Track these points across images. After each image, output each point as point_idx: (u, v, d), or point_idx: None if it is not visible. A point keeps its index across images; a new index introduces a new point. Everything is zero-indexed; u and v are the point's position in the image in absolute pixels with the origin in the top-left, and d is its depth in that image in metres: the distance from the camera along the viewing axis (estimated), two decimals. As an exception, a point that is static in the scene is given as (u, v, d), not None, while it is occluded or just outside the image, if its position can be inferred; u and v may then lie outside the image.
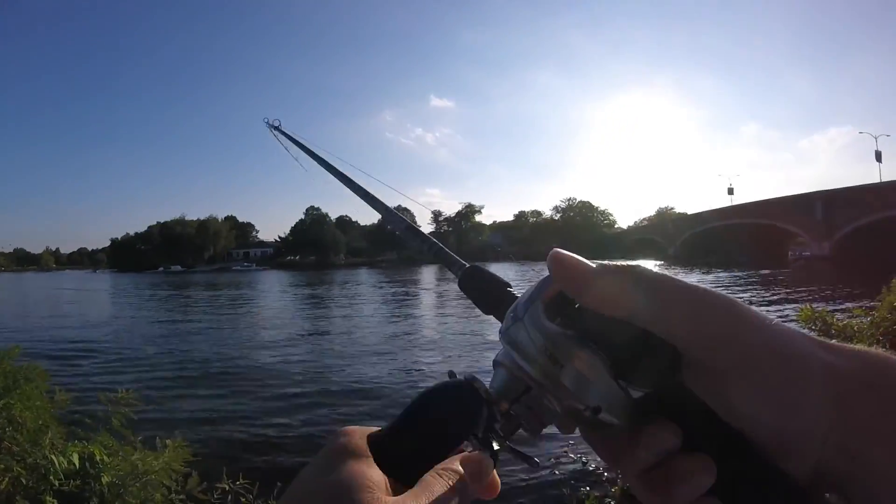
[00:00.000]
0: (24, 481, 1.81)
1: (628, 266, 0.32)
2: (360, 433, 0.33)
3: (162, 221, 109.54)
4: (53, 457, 1.81)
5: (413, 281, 47.97)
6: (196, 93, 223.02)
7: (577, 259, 0.32)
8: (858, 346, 0.31)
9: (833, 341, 0.31)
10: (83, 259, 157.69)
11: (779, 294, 22.45)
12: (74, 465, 1.84)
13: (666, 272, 0.32)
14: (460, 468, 0.32)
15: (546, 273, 0.33)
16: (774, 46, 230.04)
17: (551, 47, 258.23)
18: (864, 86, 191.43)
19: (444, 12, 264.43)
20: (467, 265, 0.41)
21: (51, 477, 1.78)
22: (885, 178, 43.66)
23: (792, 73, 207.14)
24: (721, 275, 32.79)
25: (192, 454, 2.30)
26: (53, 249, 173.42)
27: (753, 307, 0.31)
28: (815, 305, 4.68)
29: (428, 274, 60.44)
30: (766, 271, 33.58)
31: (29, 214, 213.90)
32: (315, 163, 0.66)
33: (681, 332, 0.30)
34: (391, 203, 0.57)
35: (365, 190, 0.58)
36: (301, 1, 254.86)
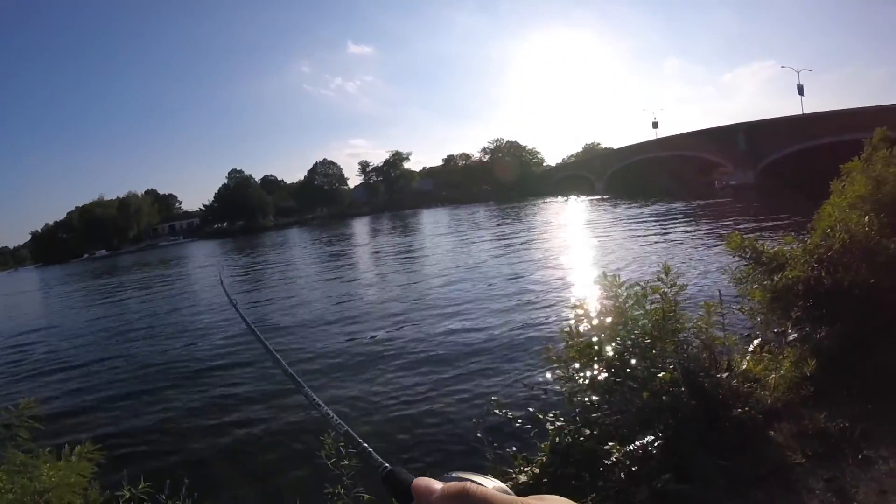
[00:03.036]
0: None
1: (462, 488, 0.43)
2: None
3: (80, 206, 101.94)
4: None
5: (345, 236, 47.70)
6: (93, 65, 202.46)
7: (427, 486, 0.46)
8: None
9: None
10: (6, 258, 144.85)
11: (707, 224, 23.28)
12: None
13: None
14: None
15: None
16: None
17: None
18: (787, 21, 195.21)
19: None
20: (389, 468, 0.53)
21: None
22: (808, 111, 45.52)
23: (715, 7, 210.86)
24: (652, 207, 33.51)
25: (101, 457, 2.09)
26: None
27: None
28: (744, 234, 4.78)
29: (360, 226, 59.83)
30: (694, 202, 34.43)
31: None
32: None
33: None
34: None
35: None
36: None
